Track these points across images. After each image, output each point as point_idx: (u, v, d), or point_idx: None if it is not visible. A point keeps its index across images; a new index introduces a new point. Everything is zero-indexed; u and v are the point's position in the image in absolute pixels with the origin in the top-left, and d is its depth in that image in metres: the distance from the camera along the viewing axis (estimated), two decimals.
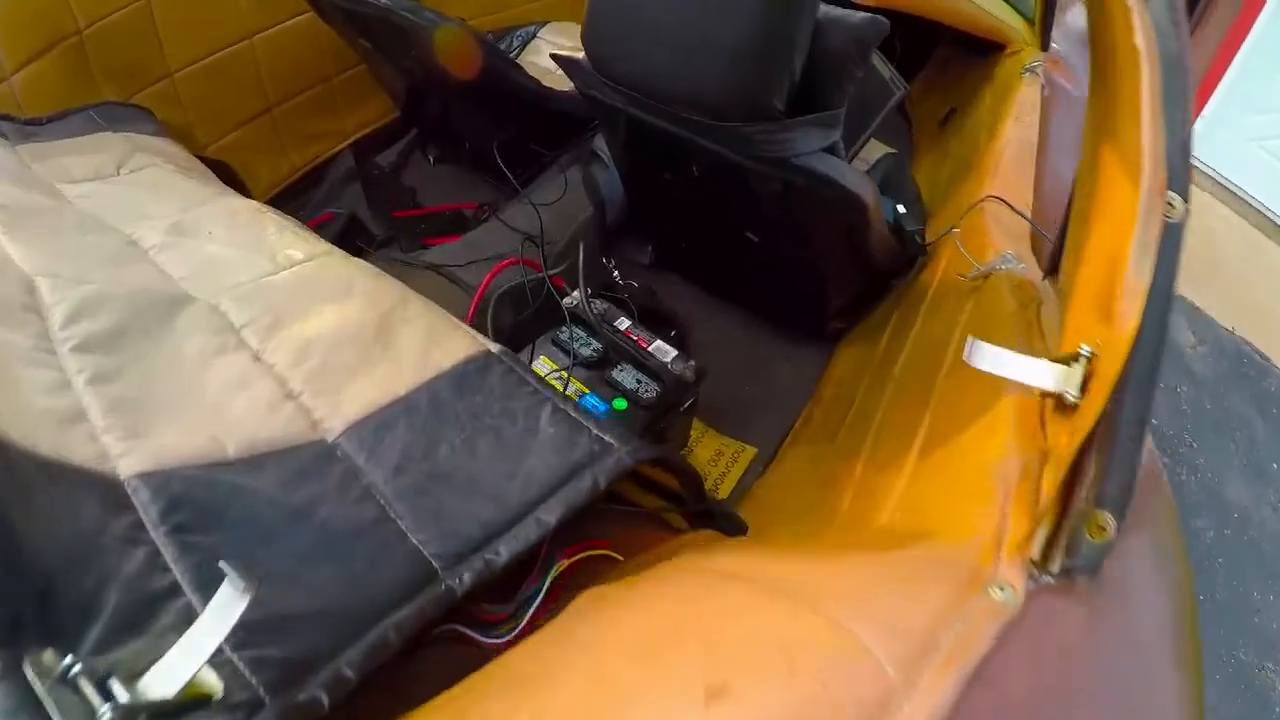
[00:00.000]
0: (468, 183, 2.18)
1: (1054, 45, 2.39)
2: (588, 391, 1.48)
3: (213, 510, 0.72)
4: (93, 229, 1.11)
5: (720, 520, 1.06)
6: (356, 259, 1.15)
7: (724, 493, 1.72)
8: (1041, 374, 0.68)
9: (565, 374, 1.49)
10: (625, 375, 1.51)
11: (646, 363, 1.51)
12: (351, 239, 1.89)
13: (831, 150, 1.33)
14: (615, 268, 1.95)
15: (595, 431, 0.86)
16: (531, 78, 1.89)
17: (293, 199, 2.04)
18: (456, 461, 0.81)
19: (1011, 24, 2.36)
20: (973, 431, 0.85)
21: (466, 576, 0.73)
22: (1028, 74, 2.18)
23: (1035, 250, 1.53)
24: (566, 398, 0.92)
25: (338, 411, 0.85)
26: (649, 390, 1.49)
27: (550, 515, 0.77)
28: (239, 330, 0.96)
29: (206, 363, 0.89)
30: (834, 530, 1.14)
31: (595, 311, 1.57)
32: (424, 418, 0.85)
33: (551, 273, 1.58)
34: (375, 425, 0.85)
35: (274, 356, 0.92)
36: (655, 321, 1.90)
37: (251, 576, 0.54)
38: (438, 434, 0.83)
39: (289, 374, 0.89)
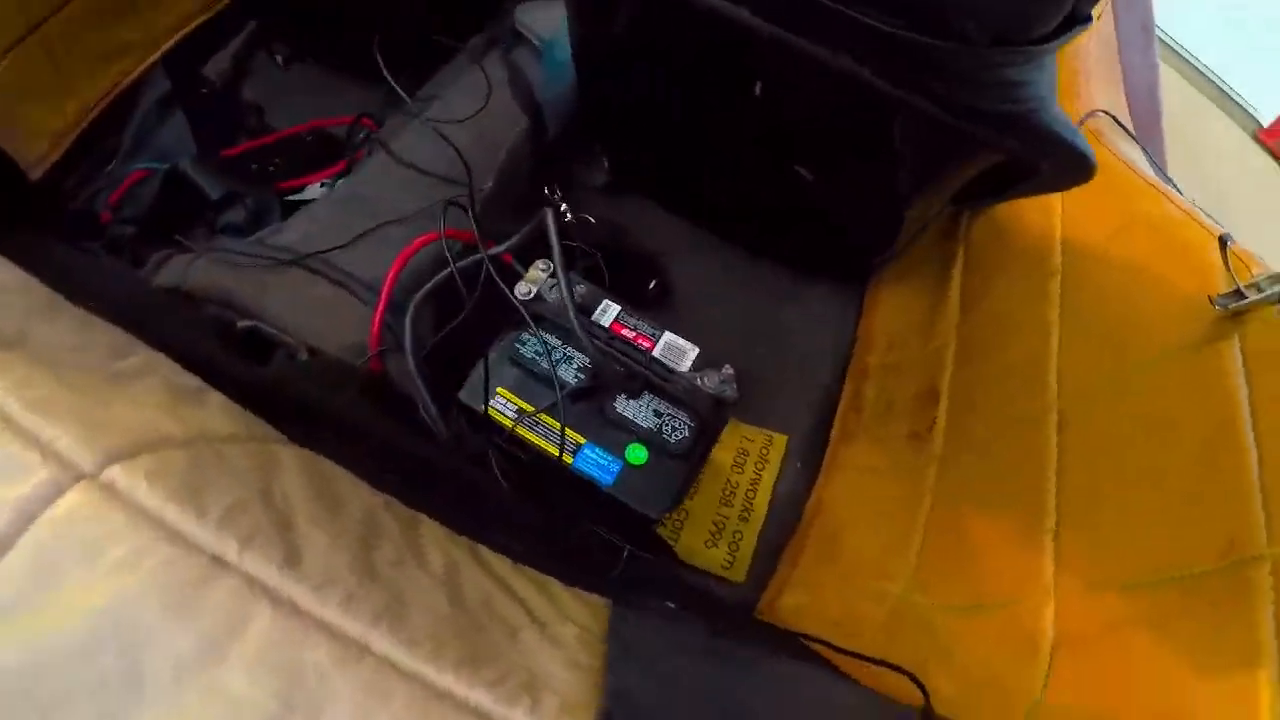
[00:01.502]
0: (338, 88, 1.43)
1: None
2: (584, 441, 0.88)
3: None
4: None
5: None
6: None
7: (760, 508, 1.16)
8: None
9: (559, 426, 0.87)
10: (634, 406, 0.90)
11: (667, 386, 0.90)
12: (174, 208, 1.16)
13: None
14: (563, 199, 1.28)
15: None
16: None
17: (92, 153, 1.25)
18: None
19: None
20: None
21: None
22: None
23: None
24: None
25: None
26: (677, 426, 0.90)
27: None
28: None
29: None
30: None
31: (578, 301, 0.94)
32: None
33: (500, 250, 0.92)
34: None
35: None
36: (629, 270, 1.27)
37: None
38: None
39: None
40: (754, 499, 1.17)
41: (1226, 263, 0.83)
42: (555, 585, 0.55)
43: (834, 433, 1.21)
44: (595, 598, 0.57)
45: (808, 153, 0.99)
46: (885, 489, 1.08)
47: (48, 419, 0.40)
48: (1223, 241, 0.84)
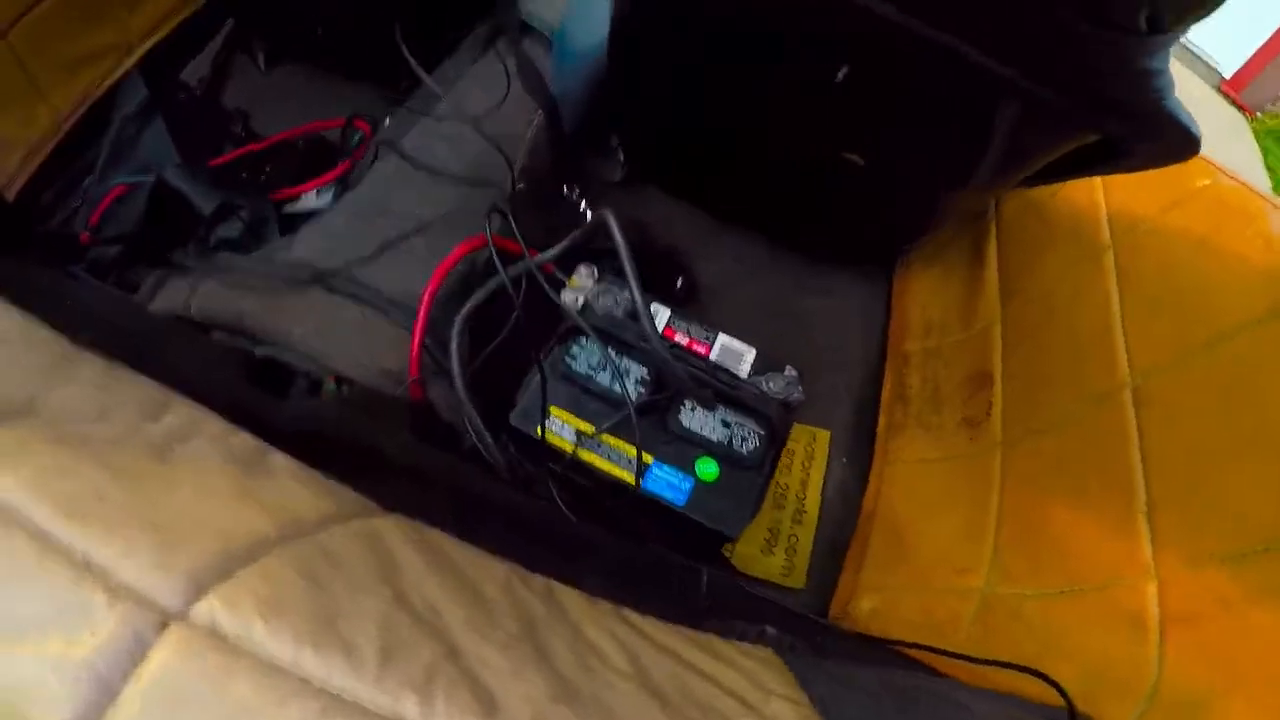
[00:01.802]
0: (325, 88, 1.29)
1: None
2: (651, 460, 0.78)
3: None
4: None
5: None
6: None
7: (812, 509, 1.07)
8: None
9: (625, 446, 0.77)
10: (701, 418, 0.80)
11: (737, 394, 0.80)
12: (163, 224, 1.02)
13: None
14: (581, 197, 1.17)
15: None
16: None
17: (68, 168, 1.10)
18: None
19: None
20: None
21: None
22: None
23: None
24: None
25: None
26: (746, 435, 0.81)
27: None
28: None
29: None
30: None
31: (613, 308, 0.84)
32: None
33: (545, 257, 0.81)
34: None
35: None
36: (654, 269, 1.16)
37: None
38: None
39: None
40: (805, 500, 1.08)
41: None
42: (717, 642, 0.45)
43: (880, 425, 1.12)
44: (758, 649, 0.47)
45: (870, 140, 0.89)
46: (945, 480, 0.99)
47: (98, 530, 0.29)
48: None
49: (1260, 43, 2.72)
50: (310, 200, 1.14)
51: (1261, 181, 2.37)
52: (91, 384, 0.47)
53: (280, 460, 0.45)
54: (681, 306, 1.17)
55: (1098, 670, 0.71)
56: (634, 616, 0.43)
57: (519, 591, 0.38)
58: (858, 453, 1.12)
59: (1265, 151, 2.63)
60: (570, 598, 0.41)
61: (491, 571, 0.39)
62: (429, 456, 0.72)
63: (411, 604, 0.31)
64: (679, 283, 1.18)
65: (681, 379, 0.76)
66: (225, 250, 0.99)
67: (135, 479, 0.36)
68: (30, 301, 0.51)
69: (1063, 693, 0.68)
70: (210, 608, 0.27)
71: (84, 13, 1.04)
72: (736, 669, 0.40)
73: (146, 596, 0.27)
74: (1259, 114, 2.78)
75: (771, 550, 1.04)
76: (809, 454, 1.12)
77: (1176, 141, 0.74)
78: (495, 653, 0.30)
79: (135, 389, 0.48)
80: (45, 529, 0.29)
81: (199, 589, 0.27)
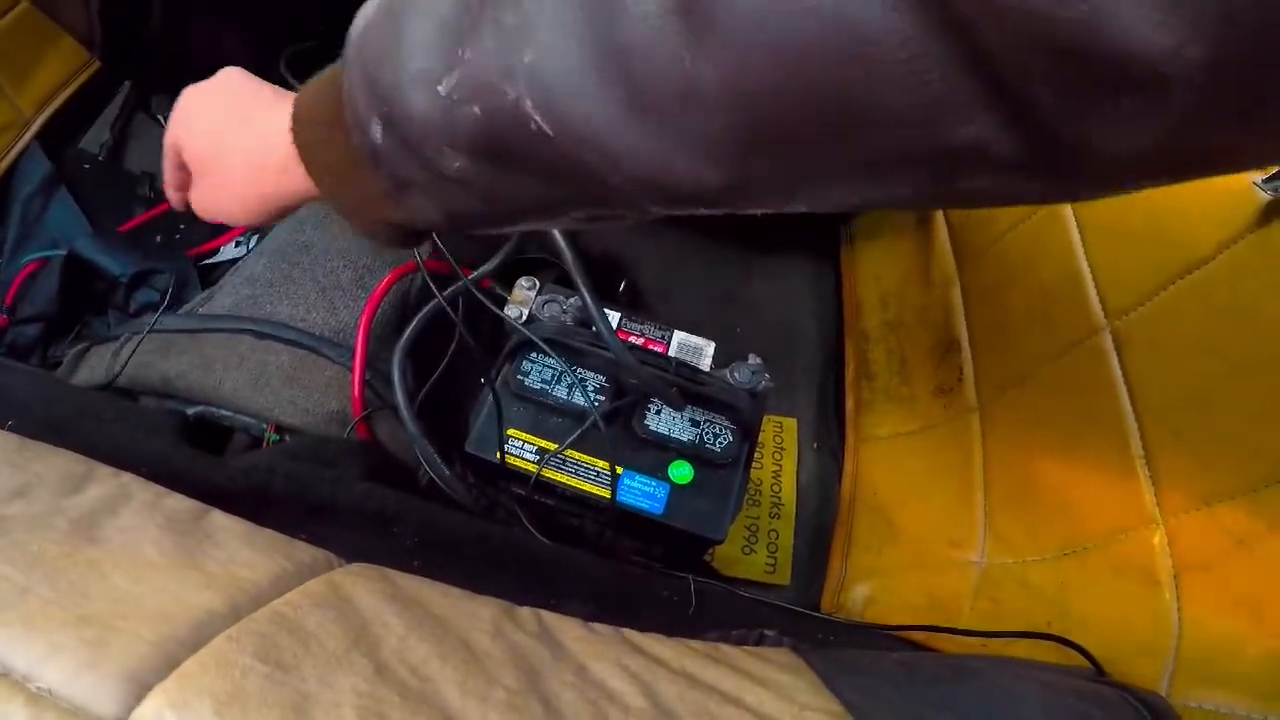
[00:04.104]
0: None
1: None
2: (622, 470, 0.75)
3: None
4: None
5: None
6: None
7: (788, 502, 1.06)
8: None
9: (591, 459, 0.74)
10: (668, 419, 0.78)
11: (705, 389, 0.78)
12: (81, 297, 0.98)
13: None
14: None
15: None
16: None
17: None
18: None
19: None
20: None
21: None
22: None
23: None
24: None
25: None
26: (718, 431, 0.79)
27: None
28: None
29: None
30: None
31: (561, 316, 0.81)
32: None
33: (481, 273, 0.78)
34: None
35: None
36: (594, 275, 1.13)
37: None
38: None
39: None
40: (780, 493, 1.07)
41: None
42: (733, 652, 0.42)
43: (848, 404, 1.11)
44: (777, 653, 0.44)
45: None
46: (924, 452, 0.98)
47: (17, 631, 0.26)
48: None
49: None
50: (230, 252, 1.10)
51: None
52: (4, 462, 0.43)
53: (222, 520, 0.41)
54: (627, 310, 1.16)
55: (1117, 633, 0.68)
56: (637, 637, 0.41)
57: (511, 635, 0.35)
58: (828, 437, 1.11)
59: None
60: (566, 629, 0.38)
61: (477, 615, 0.36)
62: (386, 498, 0.69)
63: (396, 674, 0.28)
64: (621, 287, 1.16)
65: (645, 379, 0.74)
66: (148, 314, 0.95)
67: (58, 566, 0.33)
68: None
69: (1084, 652, 0.66)
70: (156, 712, 0.23)
71: None
72: (760, 683, 0.38)
73: (77, 704, 0.23)
74: None
75: (753, 549, 1.02)
76: (778, 445, 1.11)
77: None
78: (498, 717, 0.27)
79: (54, 462, 0.44)
80: None
81: (140, 689, 0.24)
